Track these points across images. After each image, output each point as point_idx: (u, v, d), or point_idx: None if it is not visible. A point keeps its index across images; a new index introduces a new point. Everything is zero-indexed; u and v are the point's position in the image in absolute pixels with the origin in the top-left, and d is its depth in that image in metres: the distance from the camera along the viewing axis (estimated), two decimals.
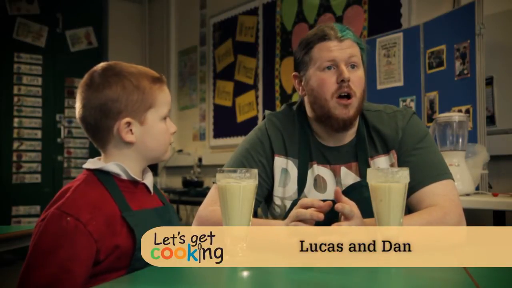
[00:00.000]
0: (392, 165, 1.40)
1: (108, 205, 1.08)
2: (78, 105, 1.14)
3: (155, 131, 1.15)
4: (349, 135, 1.43)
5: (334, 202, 1.37)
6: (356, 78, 1.36)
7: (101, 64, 1.16)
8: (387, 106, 1.48)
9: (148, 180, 1.19)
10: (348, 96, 1.35)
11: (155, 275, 0.94)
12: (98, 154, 1.19)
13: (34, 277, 0.99)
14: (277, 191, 1.45)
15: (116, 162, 1.13)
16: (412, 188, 1.28)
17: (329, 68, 1.35)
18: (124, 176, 1.14)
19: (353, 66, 1.36)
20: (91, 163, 1.14)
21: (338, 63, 1.34)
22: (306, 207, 1.13)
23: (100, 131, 1.13)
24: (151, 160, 1.19)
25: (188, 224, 4.86)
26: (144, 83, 1.13)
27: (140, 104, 1.12)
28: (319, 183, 1.42)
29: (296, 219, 1.12)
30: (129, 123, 1.11)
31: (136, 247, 1.06)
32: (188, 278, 0.97)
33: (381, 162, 1.41)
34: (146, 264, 1.06)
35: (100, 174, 1.12)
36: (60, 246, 1.00)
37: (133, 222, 1.08)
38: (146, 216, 1.12)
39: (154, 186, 1.23)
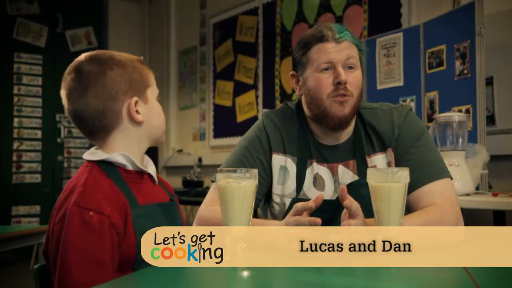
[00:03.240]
0: (389, 163, 1.40)
1: (120, 198, 1.06)
2: (72, 98, 1.10)
3: (157, 109, 1.17)
4: (346, 134, 1.44)
5: (333, 201, 1.37)
6: (353, 79, 1.36)
7: (84, 55, 1.14)
8: (383, 103, 1.49)
9: (152, 169, 1.18)
10: (344, 95, 1.35)
11: (155, 275, 0.94)
12: None
13: (73, 277, 0.98)
14: (276, 188, 1.45)
15: (121, 152, 1.11)
16: (410, 187, 1.28)
17: (326, 69, 1.36)
18: (130, 167, 1.12)
19: (350, 67, 1.36)
20: (93, 154, 1.11)
21: (335, 65, 1.35)
22: (301, 213, 1.14)
23: (107, 116, 1.10)
24: (155, 140, 1.19)
25: (188, 224, 4.86)
26: (136, 64, 1.15)
27: (141, 83, 1.13)
28: (318, 181, 1.43)
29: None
30: (136, 102, 1.11)
31: (139, 249, 1.04)
32: (188, 278, 0.97)
33: (378, 160, 1.41)
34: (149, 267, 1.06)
35: (104, 166, 1.10)
36: (89, 242, 1.00)
37: (139, 222, 1.06)
38: (152, 212, 1.11)
39: (158, 177, 1.21)
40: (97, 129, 1.12)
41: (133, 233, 1.05)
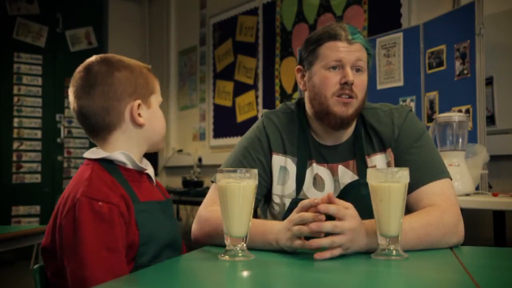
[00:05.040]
0: (388, 164, 1.40)
1: (122, 192, 1.09)
2: (79, 95, 1.14)
3: (159, 115, 1.21)
4: (347, 134, 1.44)
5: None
6: (359, 82, 1.37)
7: (95, 56, 1.18)
8: (384, 104, 1.49)
9: (150, 169, 1.21)
10: (350, 97, 1.36)
11: (156, 274, 0.94)
12: None
13: (91, 267, 0.99)
14: (276, 189, 1.45)
15: (122, 151, 1.14)
16: (410, 187, 1.28)
17: (334, 68, 1.36)
18: (129, 165, 1.15)
19: (358, 70, 1.37)
20: (94, 153, 1.14)
21: (344, 65, 1.35)
22: (307, 209, 1.13)
23: (110, 115, 1.13)
24: (153, 145, 1.22)
25: (188, 224, 4.87)
26: (144, 70, 1.19)
27: (146, 88, 1.18)
28: (318, 182, 1.43)
29: (300, 223, 1.11)
30: (139, 105, 1.15)
31: (140, 242, 1.07)
32: (188, 278, 0.97)
33: (378, 160, 1.41)
34: (151, 261, 1.07)
35: (105, 164, 1.12)
36: (101, 232, 1.01)
37: (140, 216, 1.09)
38: (151, 209, 1.14)
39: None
40: (100, 127, 1.15)
41: (135, 226, 1.07)
